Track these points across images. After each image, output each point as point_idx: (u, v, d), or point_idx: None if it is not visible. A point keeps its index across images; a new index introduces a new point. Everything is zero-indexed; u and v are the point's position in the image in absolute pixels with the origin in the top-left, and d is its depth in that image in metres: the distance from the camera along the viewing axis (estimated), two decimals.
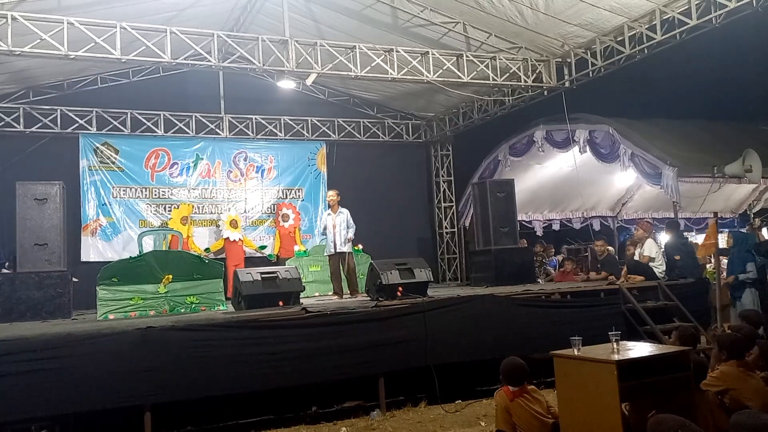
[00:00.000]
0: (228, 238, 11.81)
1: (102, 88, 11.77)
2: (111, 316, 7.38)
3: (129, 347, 5.81)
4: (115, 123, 11.70)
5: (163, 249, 10.91)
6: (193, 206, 12.16)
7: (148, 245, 10.50)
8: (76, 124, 11.48)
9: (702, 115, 13.44)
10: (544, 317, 7.63)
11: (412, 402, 6.89)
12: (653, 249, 9.05)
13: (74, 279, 8.66)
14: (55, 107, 11.37)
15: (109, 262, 8.93)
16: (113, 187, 11.72)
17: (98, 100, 11.66)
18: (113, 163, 11.76)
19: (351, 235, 9.21)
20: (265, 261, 12.10)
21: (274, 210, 12.78)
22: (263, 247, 12.39)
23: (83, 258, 11.27)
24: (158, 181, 12.06)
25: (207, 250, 11.91)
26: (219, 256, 11.79)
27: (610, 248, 11.08)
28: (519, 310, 7.59)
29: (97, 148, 11.67)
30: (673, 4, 8.34)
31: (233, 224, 11.91)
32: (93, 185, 11.60)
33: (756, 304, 8.14)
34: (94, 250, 11.46)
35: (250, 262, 11.83)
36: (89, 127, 11.56)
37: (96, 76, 11.66)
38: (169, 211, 12.00)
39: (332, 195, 9.53)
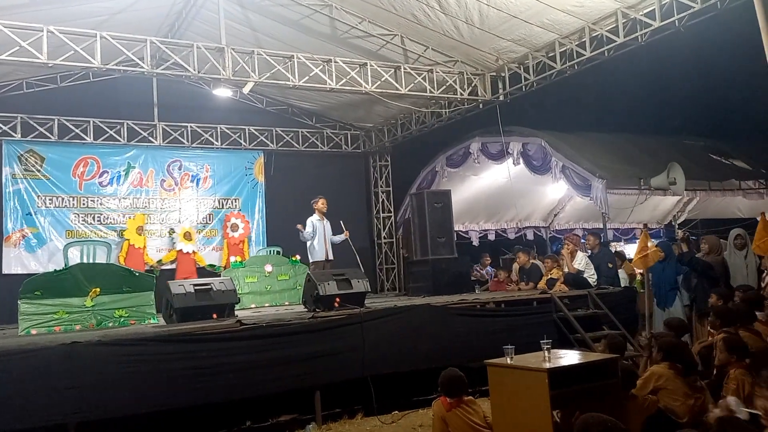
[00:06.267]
0: (181, 250, 11.74)
1: (28, 93, 11.24)
2: (33, 331, 7.02)
3: (52, 363, 5.53)
4: (41, 129, 11.20)
5: (121, 263, 10.72)
6: (147, 216, 11.87)
7: (75, 257, 10.09)
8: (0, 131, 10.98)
9: (629, 128, 13.98)
10: (480, 326, 7.72)
11: (348, 414, 6.84)
12: (582, 261, 9.31)
13: None
14: None
15: (34, 274, 8.52)
16: (38, 197, 11.22)
17: (23, 105, 11.14)
18: (39, 171, 11.26)
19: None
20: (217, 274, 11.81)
21: (211, 220, 12.54)
22: (213, 266, 12.14)
23: (5, 270, 10.75)
24: (87, 190, 11.61)
25: (160, 261, 11.78)
26: (171, 267, 11.69)
27: (534, 258, 11.23)
28: (455, 319, 7.65)
29: (22, 155, 11.15)
30: (602, 22, 8.65)
31: (187, 236, 11.85)
32: (17, 194, 11.07)
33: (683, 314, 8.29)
34: (17, 261, 10.92)
35: (202, 274, 11.62)
36: (13, 134, 11.03)
37: (21, 80, 11.14)
38: (98, 220, 11.60)
39: (324, 202, 9.68)
